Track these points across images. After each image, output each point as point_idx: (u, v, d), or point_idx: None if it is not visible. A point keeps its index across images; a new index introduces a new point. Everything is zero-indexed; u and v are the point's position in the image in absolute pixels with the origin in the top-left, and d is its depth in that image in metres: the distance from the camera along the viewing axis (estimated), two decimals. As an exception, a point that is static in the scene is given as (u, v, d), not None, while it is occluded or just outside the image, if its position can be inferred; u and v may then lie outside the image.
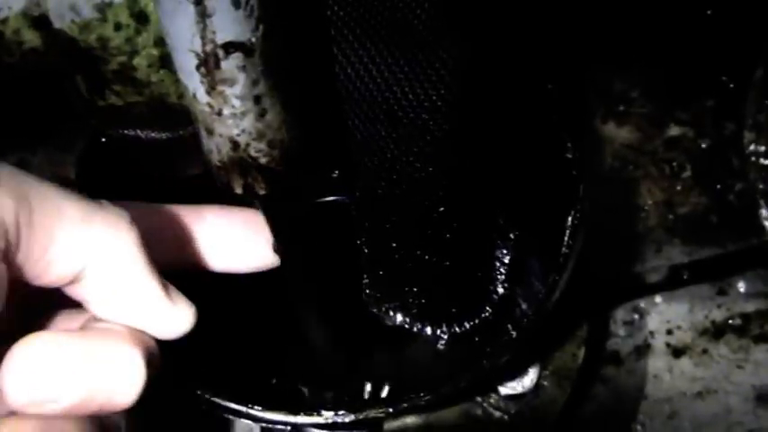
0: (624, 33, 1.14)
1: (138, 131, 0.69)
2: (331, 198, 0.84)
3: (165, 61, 0.63)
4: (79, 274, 0.57)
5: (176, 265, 0.69)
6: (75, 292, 0.59)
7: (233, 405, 0.76)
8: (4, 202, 0.53)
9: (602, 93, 1.16)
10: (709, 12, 1.14)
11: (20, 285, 0.56)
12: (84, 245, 0.57)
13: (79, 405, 0.55)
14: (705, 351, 1.04)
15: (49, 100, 0.79)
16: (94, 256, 0.57)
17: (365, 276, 0.84)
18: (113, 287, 0.58)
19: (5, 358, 0.54)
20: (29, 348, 0.54)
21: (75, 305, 0.60)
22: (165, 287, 0.60)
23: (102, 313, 0.59)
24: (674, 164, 1.12)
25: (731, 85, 1.14)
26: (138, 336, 0.59)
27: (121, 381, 0.56)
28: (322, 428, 0.77)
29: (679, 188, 1.11)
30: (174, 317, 0.60)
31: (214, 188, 0.71)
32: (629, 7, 1.13)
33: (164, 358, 0.60)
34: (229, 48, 0.58)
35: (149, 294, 0.59)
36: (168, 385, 0.73)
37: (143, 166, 0.75)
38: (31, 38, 0.61)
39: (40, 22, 0.61)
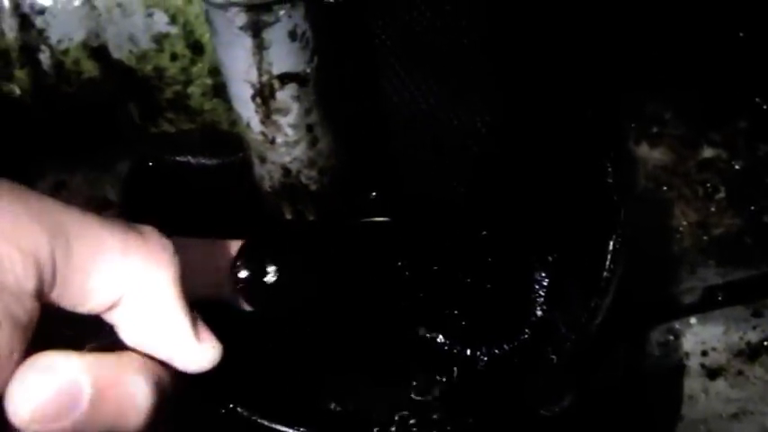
0: (656, 55, 1.15)
1: (189, 157, 0.71)
2: (371, 219, 0.85)
3: (218, 90, 0.65)
4: (115, 303, 0.57)
5: (216, 297, 0.70)
6: (107, 315, 0.59)
7: (271, 424, 0.76)
8: (38, 238, 0.52)
9: (634, 114, 1.16)
10: (741, 34, 1.14)
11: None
12: (122, 277, 0.56)
13: (84, 426, 0.55)
14: (740, 372, 1.05)
15: (88, 120, 0.80)
16: (131, 287, 0.57)
17: (406, 298, 0.85)
18: (144, 318, 0.58)
19: (13, 377, 0.53)
20: (34, 366, 0.54)
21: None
22: (195, 324, 0.60)
23: (129, 340, 0.59)
24: (708, 185, 1.12)
25: (764, 107, 1.14)
26: (150, 365, 0.59)
27: (126, 405, 0.56)
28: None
29: (713, 209, 1.11)
30: (198, 354, 0.60)
31: (259, 214, 0.73)
32: (661, 29, 1.13)
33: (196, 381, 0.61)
34: (285, 78, 0.59)
35: (178, 330, 0.59)
36: (205, 404, 0.74)
37: (190, 191, 0.76)
38: (90, 68, 0.63)
39: (98, 52, 0.62)
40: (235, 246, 0.71)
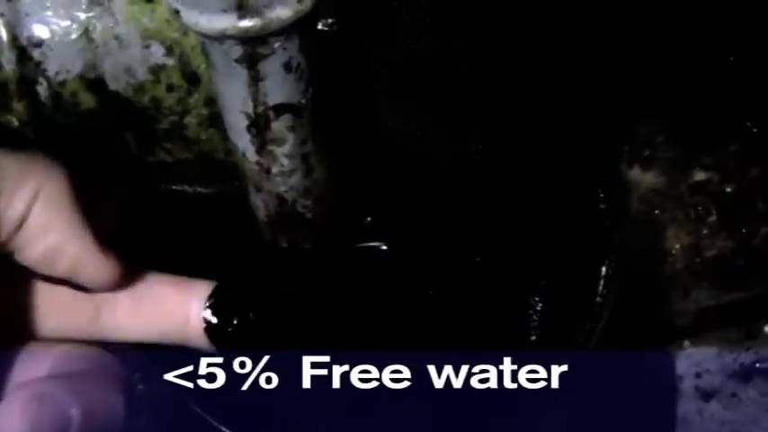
0: (647, 78, 1.15)
1: (185, 186, 0.71)
2: (366, 245, 0.85)
3: (214, 120, 0.65)
4: (21, 225, 0.59)
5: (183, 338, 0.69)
6: (21, 255, 0.61)
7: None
8: None
9: (626, 138, 1.17)
10: (732, 58, 1.15)
11: None
12: (23, 195, 0.59)
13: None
14: (734, 394, 1.05)
15: (85, 151, 0.80)
16: (33, 203, 0.59)
17: (401, 323, 0.86)
18: (48, 233, 0.60)
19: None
20: (23, 396, 0.56)
21: None
22: (95, 238, 0.62)
23: (32, 260, 0.61)
24: (700, 208, 1.13)
25: (755, 130, 1.15)
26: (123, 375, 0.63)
27: (112, 418, 0.60)
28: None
29: (705, 232, 1.12)
30: (103, 266, 0.62)
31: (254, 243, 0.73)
32: (652, 52, 1.14)
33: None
34: (280, 109, 0.60)
35: (81, 241, 0.61)
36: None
37: (186, 220, 0.76)
38: (87, 99, 0.63)
39: (96, 84, 0.63)
40: (206, 286, 0.69)
